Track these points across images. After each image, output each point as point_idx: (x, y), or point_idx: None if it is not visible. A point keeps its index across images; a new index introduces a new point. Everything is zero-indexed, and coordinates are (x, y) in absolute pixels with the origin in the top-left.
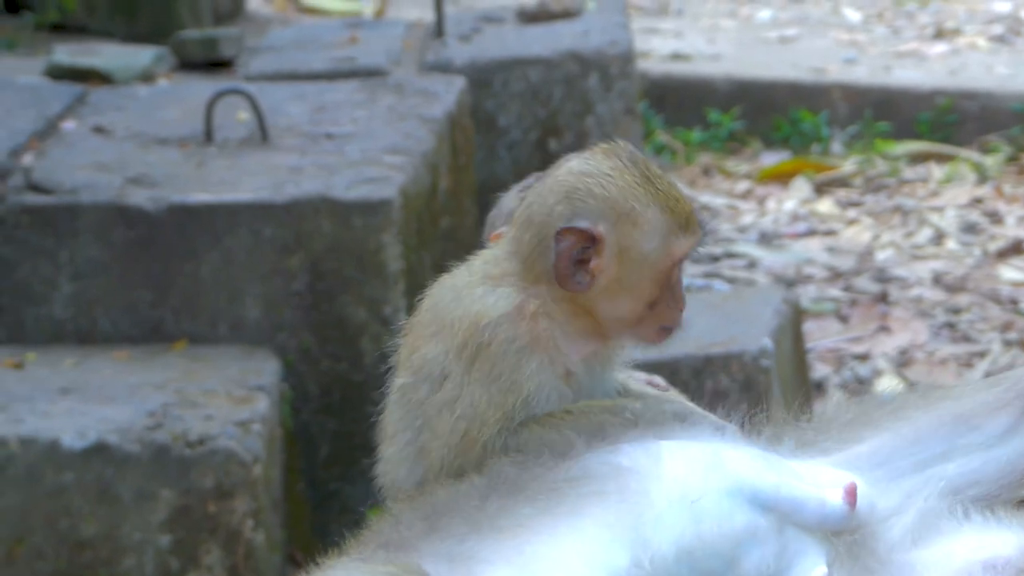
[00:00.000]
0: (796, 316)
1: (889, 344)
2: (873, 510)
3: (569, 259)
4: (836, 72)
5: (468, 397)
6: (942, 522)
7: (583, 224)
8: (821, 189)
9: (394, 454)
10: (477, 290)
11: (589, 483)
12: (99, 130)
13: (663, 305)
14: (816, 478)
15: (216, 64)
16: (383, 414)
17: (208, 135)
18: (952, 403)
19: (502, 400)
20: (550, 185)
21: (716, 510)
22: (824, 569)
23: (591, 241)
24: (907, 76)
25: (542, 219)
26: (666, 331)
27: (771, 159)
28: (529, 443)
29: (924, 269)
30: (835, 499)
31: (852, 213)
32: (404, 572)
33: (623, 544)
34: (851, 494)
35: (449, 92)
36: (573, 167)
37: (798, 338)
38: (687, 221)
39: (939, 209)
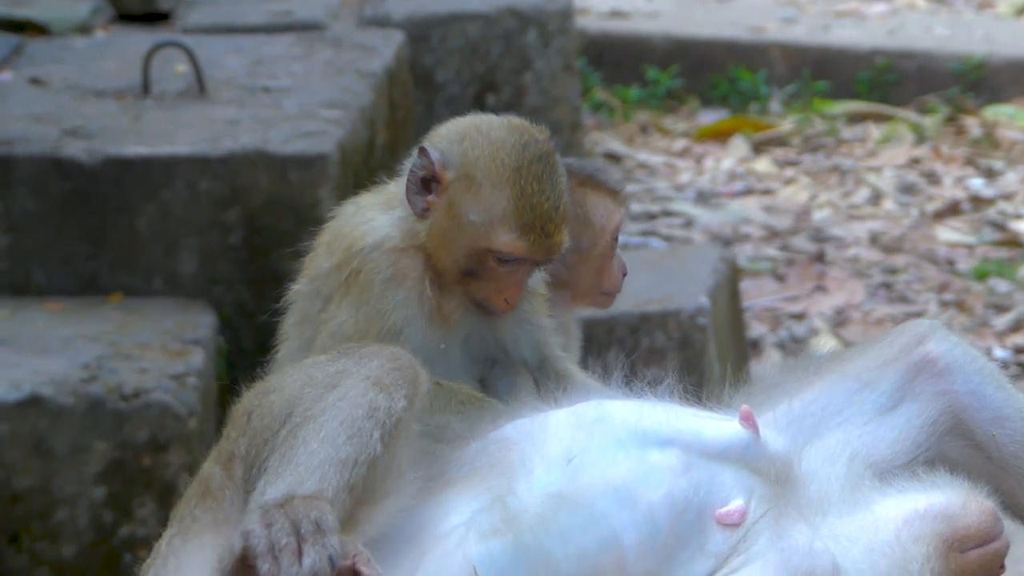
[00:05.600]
0: (733, 275)
1: (825, 304)
2: (789, 457)
3: (414, 177)
4: (775, 31)
5: (339, 318)
6: (863, 486)
7: (436, 156)
8: (759, 148)
9: (284, 357)
10: (369, 212)
11: (476, 460)
12: (35, 82)
13: (483, 283)
14: (713, 415)
15: (154, 16)
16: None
17: (145, 87)
18: (850, 364)
19: (367, 326)
20: (455, 122)
21: (598, 461)
22: (740, 502)
23: (435, 178)
24: (846, 35)
25: (427, 142)
26: (479, 307)
27: (709, 118)
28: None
29: (861, 229)
30: (732, 423)
31: (790, 172)
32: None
33: (493, 506)
34: (746, 416)
35: (387, 47)
36: (482, 119)
37: (735, 296)
38: (527, 226)
39: (877, 169)
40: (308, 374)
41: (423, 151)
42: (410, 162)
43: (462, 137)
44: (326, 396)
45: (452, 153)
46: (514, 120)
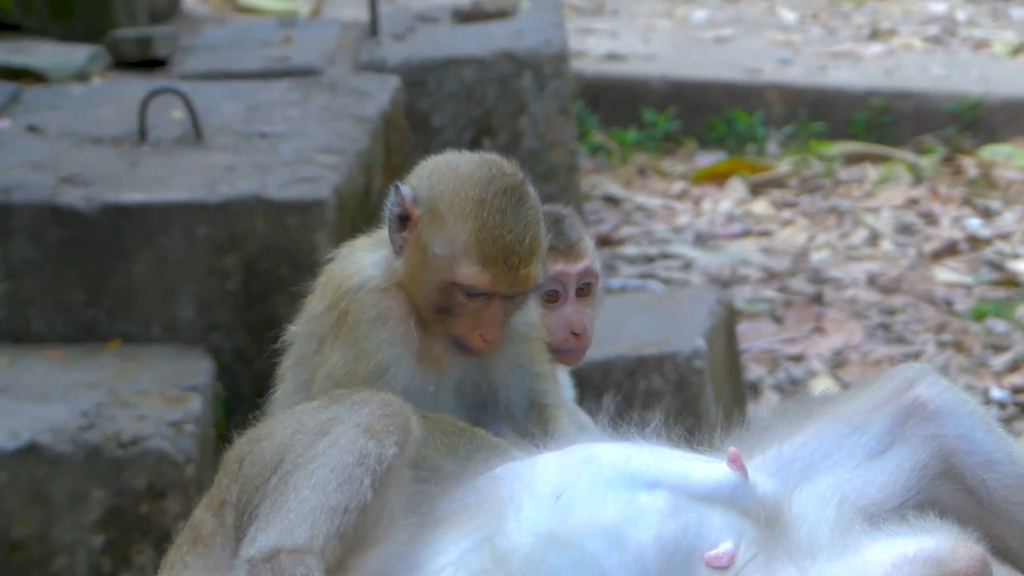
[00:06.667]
0: (730, 317)
1: (824, 345)
2: (778, 500)
3: (392, 215)
4: (771, 72)
5: (331, 361)
6: (852, 530)
7: (407, 193)
8: (756, 190)
9: (280, 399)
10: (359, 253)
11: (465, 497)
12: (33, 129)
13: (458, 319)
14: (701, 458)
15: (151, 63)
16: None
17: (142, 134)
18: (840, 407)
19: (355, 367)
20: (430, 160)
21: (586, 500)
22: (729, 545)
23: (408, 214)
24: (842, 76)
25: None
26: (459, 345)
27: (706, 159)
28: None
29: (859, 270)
30: (720, 466)
31: (787, 214)
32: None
33: (482, 546)
34: (734, 459)
35: (383, 91)
36: (454, 156)
37: (732, 339)
38: (488, 258)
39: (874, 210)
40: (299, 421)
41: (396, 189)
42: (388, 201)
43: (431, 172)
44: (317, 443)
45: (422, 189)
46: (487, 156)
